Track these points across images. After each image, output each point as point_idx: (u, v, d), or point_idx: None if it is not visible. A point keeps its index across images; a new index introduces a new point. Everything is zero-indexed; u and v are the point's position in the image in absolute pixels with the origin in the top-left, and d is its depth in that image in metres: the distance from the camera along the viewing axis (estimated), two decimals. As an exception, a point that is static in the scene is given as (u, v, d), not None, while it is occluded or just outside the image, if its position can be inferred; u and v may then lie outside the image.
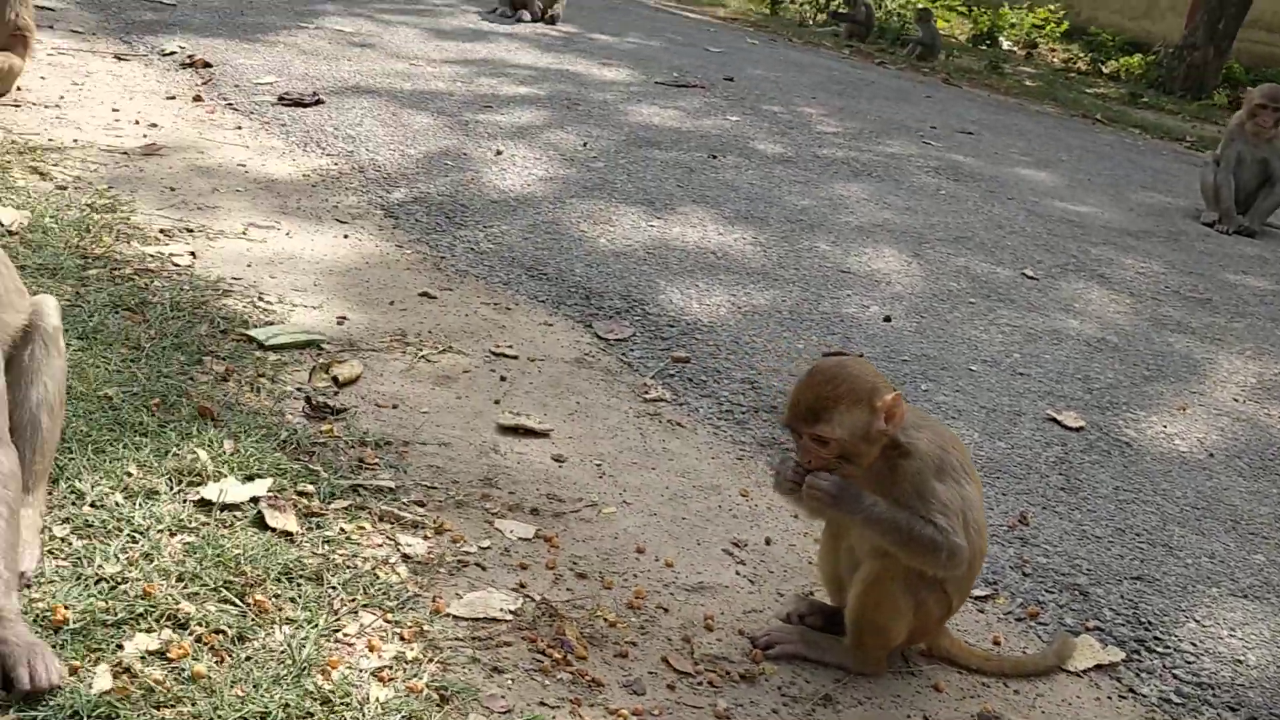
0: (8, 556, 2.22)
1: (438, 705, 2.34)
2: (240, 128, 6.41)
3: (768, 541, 3.29)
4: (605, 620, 2.77)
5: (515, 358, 4.11)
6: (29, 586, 2.39)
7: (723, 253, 5.55)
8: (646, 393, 4.03)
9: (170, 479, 2.88)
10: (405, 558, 2.84)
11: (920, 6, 17.52)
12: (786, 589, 3.10)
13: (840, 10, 17.75)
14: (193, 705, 2.18)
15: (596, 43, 11.09)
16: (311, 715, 2.22)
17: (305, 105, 7.02)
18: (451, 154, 6.51)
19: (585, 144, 7.10)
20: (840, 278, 5.49)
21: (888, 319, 5.02)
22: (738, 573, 3.12)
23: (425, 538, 2.94)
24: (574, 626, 2.71)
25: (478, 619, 2.67)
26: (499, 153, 6.62)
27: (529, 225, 5.51)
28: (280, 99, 7.07)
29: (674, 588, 2.99)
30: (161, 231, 4.64)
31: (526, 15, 11.48)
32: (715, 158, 7.24)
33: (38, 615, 2.32)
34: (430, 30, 10.28)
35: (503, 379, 3.94)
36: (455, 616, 2.66)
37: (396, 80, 8.10)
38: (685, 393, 4.09)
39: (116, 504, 2.73)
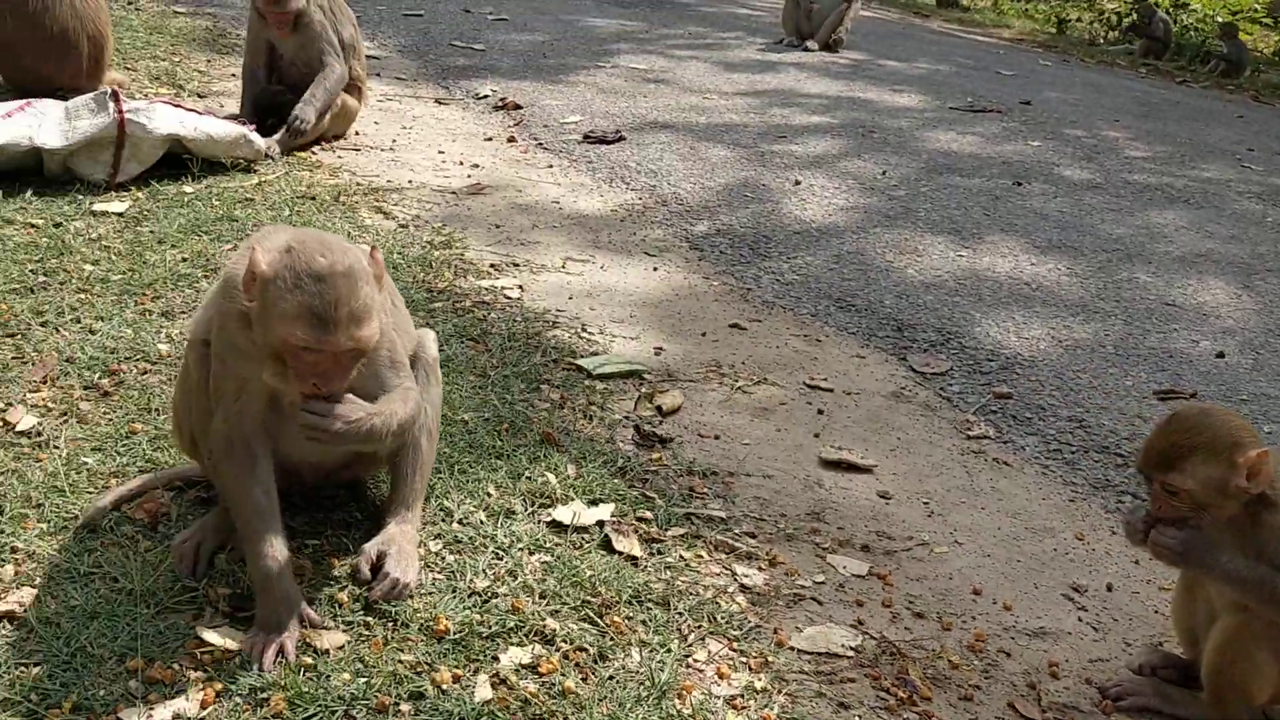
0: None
1: (791, 736, 2.38)
2: (551, 166, 6.73)
3: (1109, 588, 3.16)
4: (948, 662, 2.73)
5: (830, 390, 4.12)
6: (411, 597, 2.59)
7: (1037, 284, 5.37)
8: (969, 429, 3.95)
9: (524, 500, 3.06)
10: (743, 588, 2.90)
11: (1223, 21, 16.42)
12: (1134, 638, 2.96)
13: (1137, 24, 16.86)
14: (564, 719, 2.30)
15: (885, 69, 10.99)
16: (674, 737, 2.30)
17: (609, 142, 7.30)
18: (750, 185, 6.60)
19: (884, 172, 7.05)
20: (1165, 310, 5.21)
21: (1220, 355, 4.73)
22: (1079, 619, 3.01)
23: (760, 569, 2.99)
24: (917, 667, 2.69)
25: (820, 653, 2.69)
26: (797, 183, 6.67)
27: (833, 256, 5.52)
28: (585, 137, 7.38)
29: (1014, 632, 2.91)
30: (492, 266, 4.93)
31: (813, 44, 11.52)
32: (1020, 184, 7.03)
33: (422, 624, 2.51)
34: (720, 64, 10.47)
35: (820, 412, 3.96)
36: (798, 650, 2.69)
37: (691, 114, 8.30)
38: (1009, 430, 3.98)
39: (480, 522, 2.93)
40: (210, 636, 2.41)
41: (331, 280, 2.32)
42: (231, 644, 2.39)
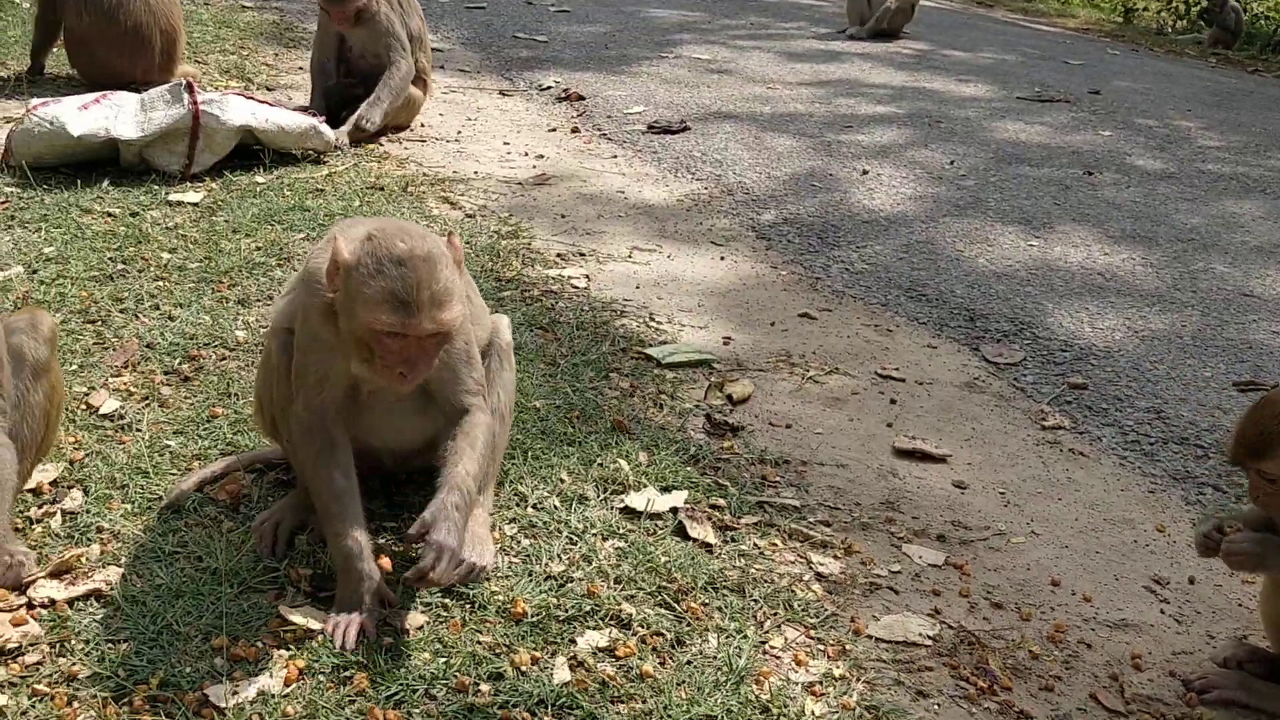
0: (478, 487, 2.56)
1: (870, 724, 2.36)
2: (616, 156, 6.73)
3: (1191, 580, 3.09)
4: (1028, 652, 2.69)
5: (903, 380, 4.08)
6: (488, 580, 2.60)
7: (1111, 274, 5.28)
8: (1044, 420, 3.89)
9: (597, 486, 3.06)
10: (819, 576, 2.88)
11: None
12: (1218, 631, 2.90)
13: (1207, 13, 16.50)
14: (643, 702, 2.30)
15: (950, 59, 10.86)
16: (753, 723, 2.29)
17: (673, 132, 7.29)
18: (817, 175, 6.56)
19: (952, 162, 6.97)
20: (1243, 301, 5.10)
21: (1302, 346, 4.62)
22: (1162, 611, 2.96)
23: (835, 558, 2.97)
24: (996, 656, 2.66)
25: (897, 642, 2.66)
26: (865, 172, 6.61)
27: (903, 245, 5.47)
28: (650, 127, 7.37)
29: (1095, 623, 2.86)
30: (558, 255, 4.94)
31: (860, 30, 11.45)
32: (1091, 174, 6.91)
33: (499, 607, 2.52)
34: (783, 54, 10.41)
35: (892, 401, 3.92)
36: (875, 638, 2.67)
37: (756, 104, 8.26)
38: (1085, 421, 3.91)
39: (554, 507, 2.93)
40: (292, 615, 2.44)
41: (412, 264, 2.34)
42: (313, 623, 2.42)
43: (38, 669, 2.25)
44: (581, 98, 8.08)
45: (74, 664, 2.26)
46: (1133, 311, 4.85)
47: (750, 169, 6.59)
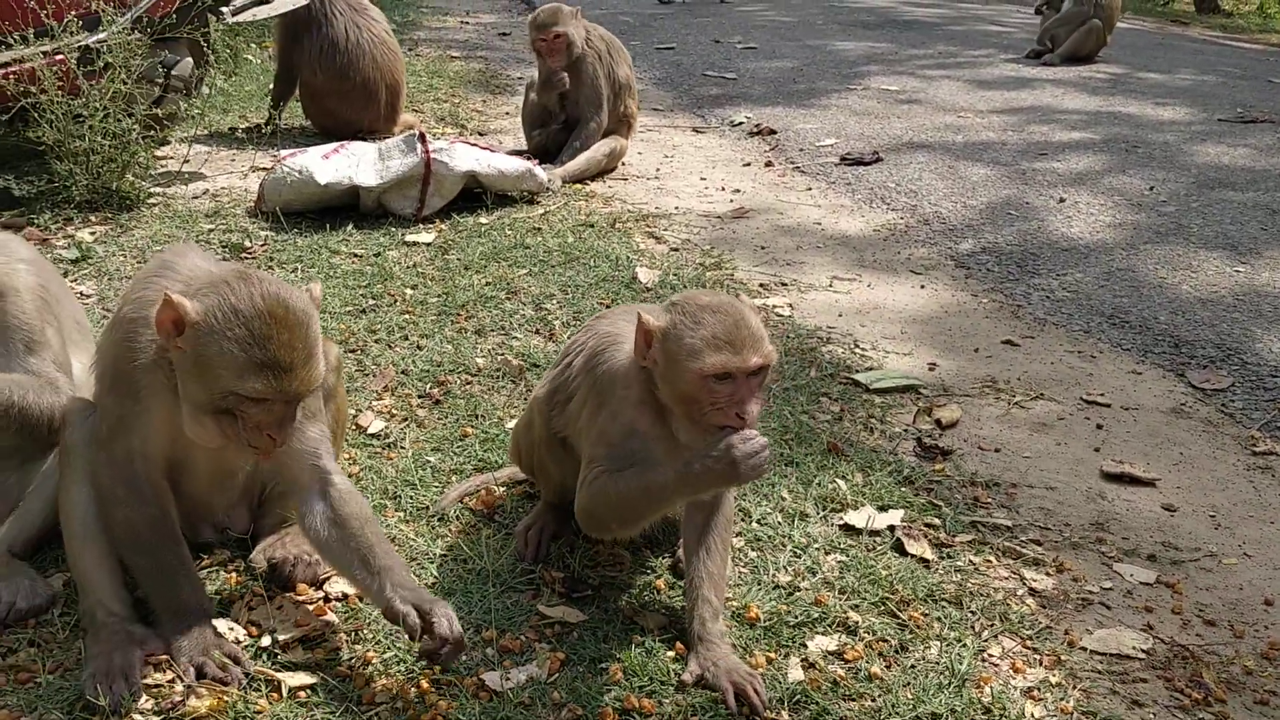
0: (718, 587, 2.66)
1: (1090, 729, 2.49)
2: (810, 188, 6.95)
3: None
4: (1242, 667, 2.77)
5: (1108, 406, 4.16)
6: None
7: (1324, 299, 5.20)
8: (1254, 445, 3.91)
9: (816, 504, 3.27)
10: (1032, 591, 3.01)
11: None
12: None
13: None
14: (872, 701, 2.50)
15: (1146, 82, 10.67)
16: (976, 722, 2.46)
17: (866, 164, 7.46)
18: (1013, 203, 6.62)
19: (1151, 188, 6.92)
20: None
21: None
22: (1382, 635, 2.97)
23: (1048, 574, 3.10)
24: (1210, 671, 2.74)
25: (1111, 654, 2.78)
26: (1062, 200, 6.64)
27: (1104, 272, 5.50)
28: (842, 159, 7.56)
29: (1312, 644, 2.91)
30: (761, 285, 5.18)
31: (1051, 56, 11.36)
32: (1301, 197, 6.76)
33: (735, 612, 2.76)
34: (972, 82, 10.44)
35: (1099, 427, 4.00)
36: (1089, 650, 2.79)
37: (947, 134, 8.35)
38: (1299, 446, 3.92)
39: (777, 523, 3.16)
40: (551, 612, 2.73)
41: (722, 309, 2.48)
42: (570, 619, 2.71)
43: (337, 654, 2.60)
44: (773, 132, 8.33)
45: (368, 650, 2.60)
46: (1349, 337, 4.77)
47: (945, 198, 6.70)
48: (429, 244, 5.37)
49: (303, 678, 2.48)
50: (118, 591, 2.55)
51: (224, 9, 6.67)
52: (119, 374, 2.50)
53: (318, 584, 2.82)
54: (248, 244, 5.24)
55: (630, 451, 2.63)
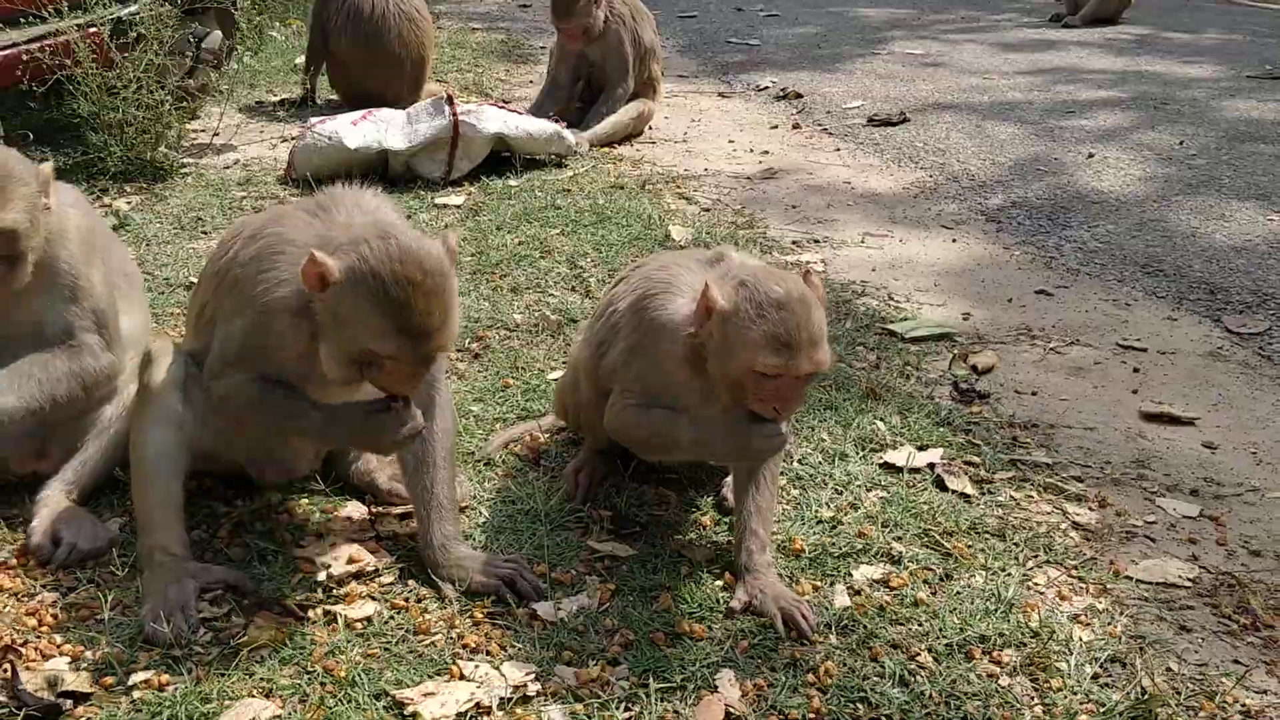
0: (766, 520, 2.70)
1: (1138, 650, 2.51)
2: (838, 149, 6.94)
3: None
4: (1289, 595, 2.78)
5: (1144, 350, 4.16)
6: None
7: (1360, 245, 5.18)
8: (1293, 385, 3.91)
9: (856, 445, 3.30)
10: (1075, 525, 3.03)
11: None
12: None
13: None
14: (919, 625, 2.53)
15: (1172, 41, 10.59)
16: (1025, 644, 2.48)
17: (893, 124, 7.44)
18: (1042, 160, 6.60)
19: (1181, 142, 6.88)
20: None
21: None
22: None
23: (1090, 509, 3.11)
24: (1257, 597, 2.75)
25: (1156, 583, 2.79)
26: (1090, 156, 6.61)
27: (1135, 223, 5.48)
28: (869, 120, 7.55)
29: (1357, 572, 2.92)
30: (793, 243, 5.19)
31: (1073, 18, 11.27)
32: (1333, 148, 6.71)
33: (780, 544, 2.79)
34: (995, 44, 10.39)
35: (1135, 370, 4.00)
36: (1134, 579, 2.80)
37: (973, 94, 8.31)
38: (1338, 385, 3.91)
39: (818, 463, 3.19)
40: (601, 547, 2.77)
41: (791, 308, 2.42)
42: (620, 553, 2.75)
43: (392, 588, 2.64)
44: (799, 95, 8.31)
45: (421, 584, 2.64)
46: (1385, 281, 4.75)
47: (974, 156, 6.68)
48: (459, 206, 5.40)
49: (360, 610, 2.52)
50: (178, 533, 2.60)
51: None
52: (255, 308, 2.50)
53: (373, 522, 2.87)
54: (281, 210, 5.28)
55: (663, 399, 2.68)
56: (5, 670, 2.27)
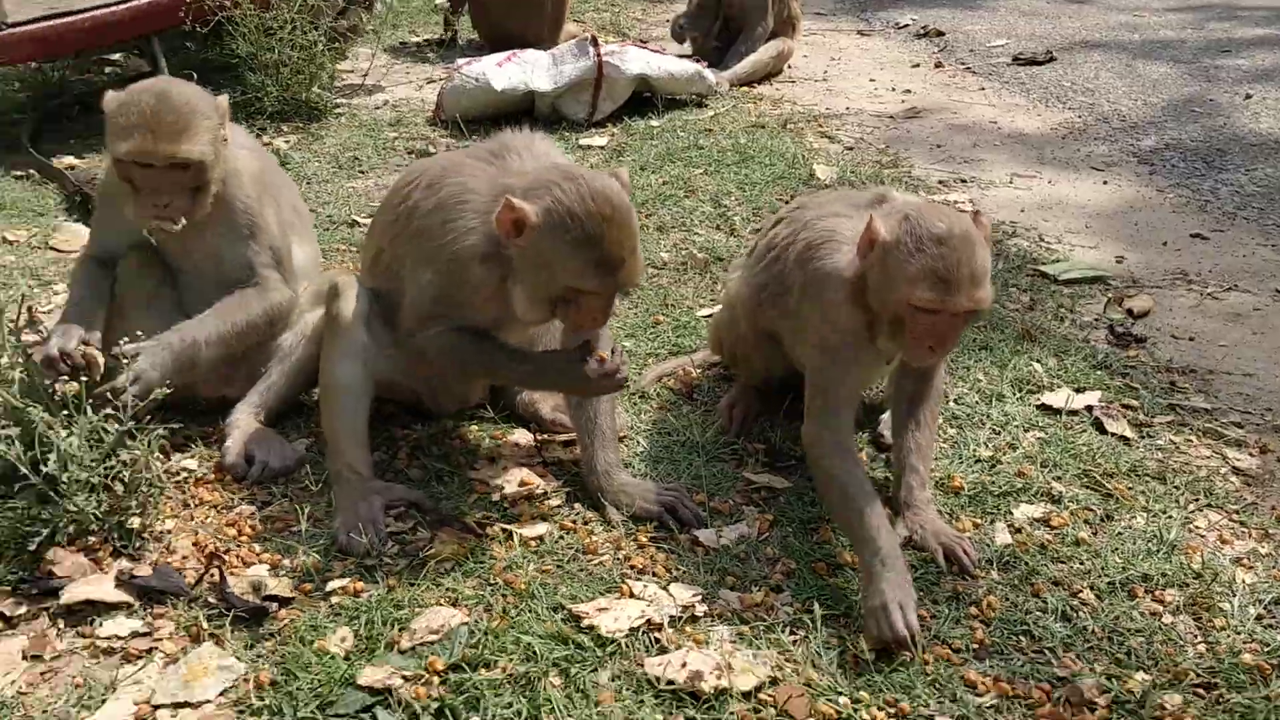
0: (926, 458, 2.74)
1: (1304, 596, 2.50)
2: (983, 88, 6.81)
3: None
4: None
5: (1309, 297, 4.05)
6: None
7: None
8: None
9: (1012, 386, 3.30)
10: (1236, 470, 3.00)
11: None
12: None
13: None
14: (1080, 564, 2.55)
15: (1338, -26, 10.04)
16: (1187, 585, 2.49)
17: (1039, 63, 7.26)
18: (1196, 100, 6.38)
19: (1348, 82, 6.58)
20: None
21: None
22: None
23: (1251, 454, 3.07)
24: None
25: (1322, 530, 2.76)
26: (1249, 96, 6.37)
27: (1298, 167, 5.30)
28: (1015, 59, 7.37)
29: None
30: (940, 182, 5.15)
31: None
32: None
33: (939, 481, 2.83)
34: (1147, -20, 9.99)
35: (1298, 317, 3.90)
36: (1300, 525, 2.78)
37: (1122, 32, 8.05)
38: None
39: (974, 403, 3.21)
40: (757, 478, 2.85)
41: (951, 243, 2.39)
42: (776, 485, 2.82)
43: (560, 510, 2.76)
44: (941, 34, 8.15)
45: (587, 508, 2.76)
46: None
47: (1125, 97, 6.49)
48: (603, 147, 5.48)
49: (533, 529, 2.65)
50: (364, 455, 2.76)
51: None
52: (444, 257, 2.60)
53: (538, 449, 2.99)
54: (431, 151, 5.43)
55: (845, 357, 2.62)
56: (214, 575, 2.46)
